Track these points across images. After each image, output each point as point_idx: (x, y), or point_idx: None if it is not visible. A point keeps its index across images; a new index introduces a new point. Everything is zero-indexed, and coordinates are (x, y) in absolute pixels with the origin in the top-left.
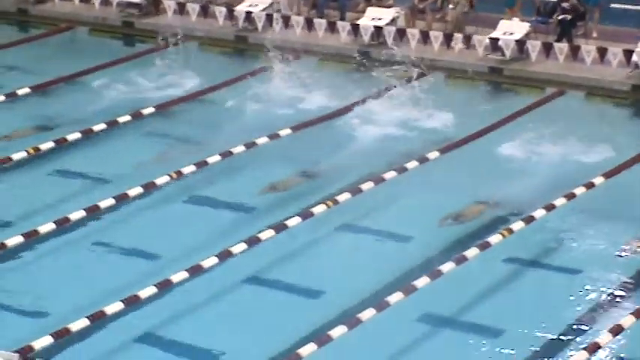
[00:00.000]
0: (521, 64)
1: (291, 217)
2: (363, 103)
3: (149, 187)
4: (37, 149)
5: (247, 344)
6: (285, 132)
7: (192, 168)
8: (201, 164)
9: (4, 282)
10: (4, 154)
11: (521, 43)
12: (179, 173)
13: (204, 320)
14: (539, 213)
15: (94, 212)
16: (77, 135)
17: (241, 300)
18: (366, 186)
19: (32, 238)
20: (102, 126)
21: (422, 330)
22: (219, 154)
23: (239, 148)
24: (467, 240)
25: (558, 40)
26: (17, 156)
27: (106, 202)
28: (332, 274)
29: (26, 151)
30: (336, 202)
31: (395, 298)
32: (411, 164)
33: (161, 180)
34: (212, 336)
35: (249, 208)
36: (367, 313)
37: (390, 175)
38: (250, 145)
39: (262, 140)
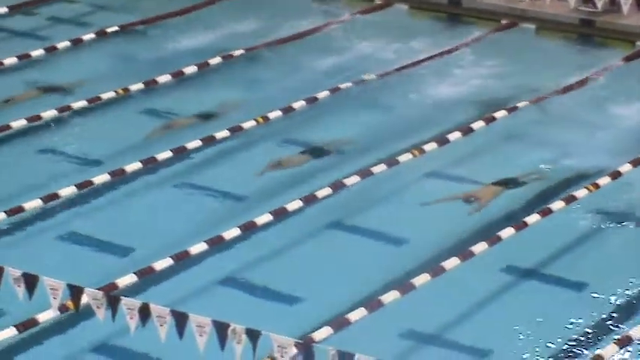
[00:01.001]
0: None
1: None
2: None
3: (235, 130)
4: (126, 90)
5: (329, 289)
6: None
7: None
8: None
9: (90, 219)
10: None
11: None
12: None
13: (288, 264)
14: (625, 168)
15: (180, 153)
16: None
17: (325, 244)
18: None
19: (119, 177)
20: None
21: (505, 280)
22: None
23: None
24: (551, 193)
25: None
26: (106, 96)
27: (193, 144)
28: (416, 222)
29: (115, 91)
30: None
31: (479, 248)
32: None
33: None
34: (295, 280)
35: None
36: (451, 262)
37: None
38: None
39: None
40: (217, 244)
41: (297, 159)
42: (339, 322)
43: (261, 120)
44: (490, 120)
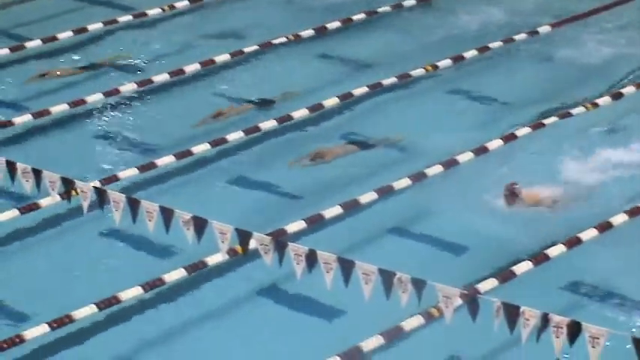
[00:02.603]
0: None
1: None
2: None
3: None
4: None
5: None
6: None
7: None
8: None
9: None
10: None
11: None
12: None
13: (455, 216)
14: None
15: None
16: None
17: None
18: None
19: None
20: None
21: None
22: None
23: None
24: None
25: None
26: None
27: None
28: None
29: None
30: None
31: None
32: None
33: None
34: (461, 231)
35: None
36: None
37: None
38: None
39: None
40: (386, 193)
41: None
42: (504, 275)
43: (430, 68)
44: None
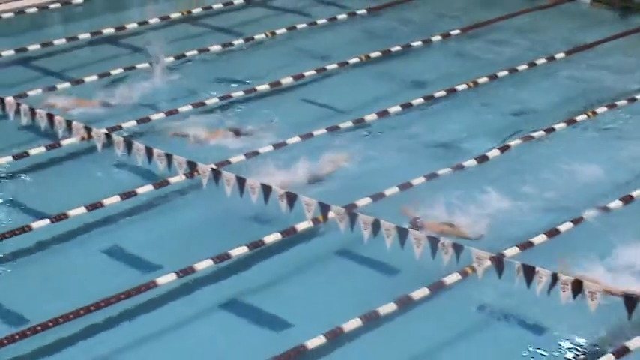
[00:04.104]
0: None
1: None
2: None
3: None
4: (367, 56)
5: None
6: None
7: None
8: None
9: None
10: None
11: None
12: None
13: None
14: None
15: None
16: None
17: None
18: None
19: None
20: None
21: None
22: None
23: None
24: None
25: None
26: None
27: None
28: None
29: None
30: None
31: None
32: None
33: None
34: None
35: None
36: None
37: None
38: None
39: None
40: (433, 178)
41: None
42: (524, 244)
43: (471, 84)
44: None
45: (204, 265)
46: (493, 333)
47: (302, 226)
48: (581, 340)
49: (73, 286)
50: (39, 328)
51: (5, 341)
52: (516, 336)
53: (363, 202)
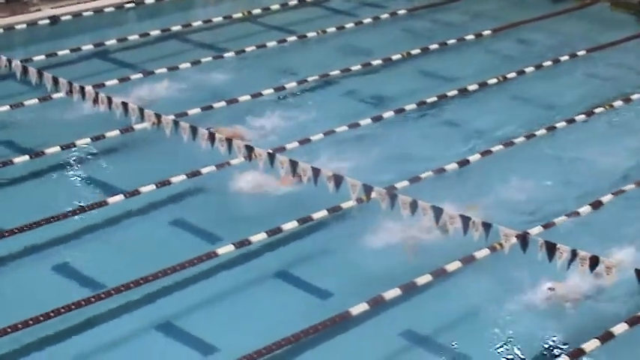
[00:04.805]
0: None
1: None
2: None
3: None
4: (408, 53)
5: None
6: None
7: None
8: None
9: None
10: None
11: None
12: (504, 77)
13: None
14: None
15: (443, 98)
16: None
17: None
18: None
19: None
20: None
21: None
22: None
23: None
24: None
25: None
26: None
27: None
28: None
29: None
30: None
31: None
32: None
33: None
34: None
35: None
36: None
37: None
38: None
39: None
40: (463, 164)
41: None
42: (548, 225)
43: (501, 78)
44: None
45: (258, 237)
46: None
47: (347, 204)
48: None
49: (143, 255)
50: (112, 292)
51: (83, 303)
52: None
53: (402, 184)
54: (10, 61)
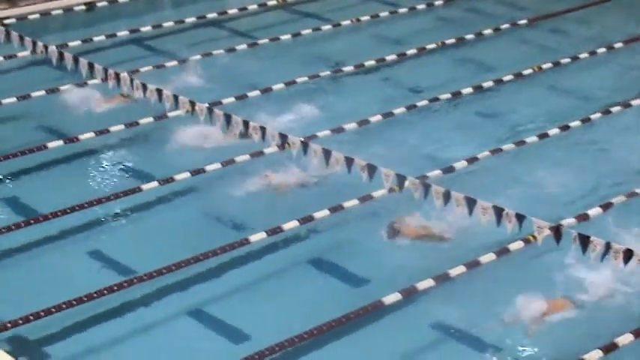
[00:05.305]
0: None
1: None
2: None
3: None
4: (443, 43)
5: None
6: None
7: None
8: None
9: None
10: None
11: None
12: (539, 67)
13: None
14: None
15: (478, 89)
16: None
17: None
18: None
19: None
20: None
21: None
22: None
23: None
24: None
25: None
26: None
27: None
28: None
29: None
30: None
31: None
32: None
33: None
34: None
35: None
36: None
37: None
38: None
39: None
40: (494, 153)
41: None
42: (580, 217)
43: (537, 69)
44: None
45: (290, 225)
46: None
47: (379, 193)
48: None
49: (176, 242)
50: (145, 277)
51: (116, 288)
52: None
53: (435, 173)
54: (46, 47)
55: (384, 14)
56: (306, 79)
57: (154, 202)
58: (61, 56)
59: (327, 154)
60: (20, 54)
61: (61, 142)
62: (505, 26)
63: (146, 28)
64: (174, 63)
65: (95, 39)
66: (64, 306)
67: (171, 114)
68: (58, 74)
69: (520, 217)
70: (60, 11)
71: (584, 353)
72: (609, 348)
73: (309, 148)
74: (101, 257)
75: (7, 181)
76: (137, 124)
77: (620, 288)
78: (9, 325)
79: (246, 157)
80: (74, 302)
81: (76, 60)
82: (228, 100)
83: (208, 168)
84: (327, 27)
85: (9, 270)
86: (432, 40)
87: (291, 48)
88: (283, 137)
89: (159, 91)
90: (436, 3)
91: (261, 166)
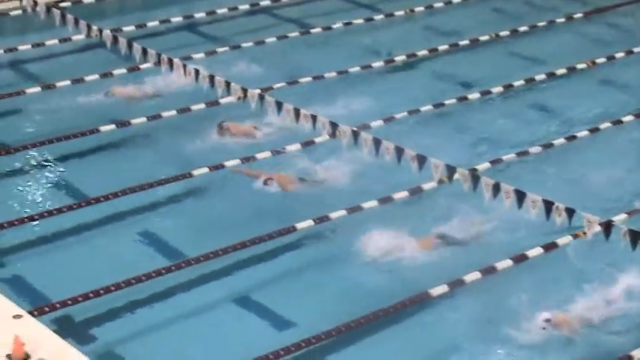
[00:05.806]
0: None
1: None
2: None
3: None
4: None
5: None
6: None
7: None
8: None
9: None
10: None
11: None
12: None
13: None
14: None
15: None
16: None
17: None
18: None
19: None
20: None
21: None
22: None
23: None
24: None
25: None
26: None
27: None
28: None
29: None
30: None
31: None
32: None
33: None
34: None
35: None
36: None
37: None
38: None
39: None
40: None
41: None
42: (631, 212)
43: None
44: None
45: (338, 214)
46: None
47: (428, 185)
48: None
49: (223, 227)
50: (192, 262)
51: (163, 271)
52: None
53: (484, 166)
54: (100, 31)
55: (438, 5)
56: (357, 68)
57: (204, 189)
58: (115, 40)
59: (377, 143)
60: (75, 37)
61: (113, 126)
62: (560, 19)
63: (200, 15)
64: (226, 49)
65: (149, 24)
66: (112, 288)
67: (223, 100)
68: (112, 58)
69: (570, 212)
70: None
71: None
72: None
73: (360, 138)
74: (150, 241)
75: (60, 163)
76: (189, 109)
77: None
78: (58, 305)
79: (297, 145)
80: (122, 284)
81: (129, 44)
82: (280, 85)
83: (259, 156)
84: (379, 17)
85: (59, 252)
86: (485, 32)
87: (343, 37)
88: (334, 126)
89: (211, 77)
90: None
91: (311, 156)
